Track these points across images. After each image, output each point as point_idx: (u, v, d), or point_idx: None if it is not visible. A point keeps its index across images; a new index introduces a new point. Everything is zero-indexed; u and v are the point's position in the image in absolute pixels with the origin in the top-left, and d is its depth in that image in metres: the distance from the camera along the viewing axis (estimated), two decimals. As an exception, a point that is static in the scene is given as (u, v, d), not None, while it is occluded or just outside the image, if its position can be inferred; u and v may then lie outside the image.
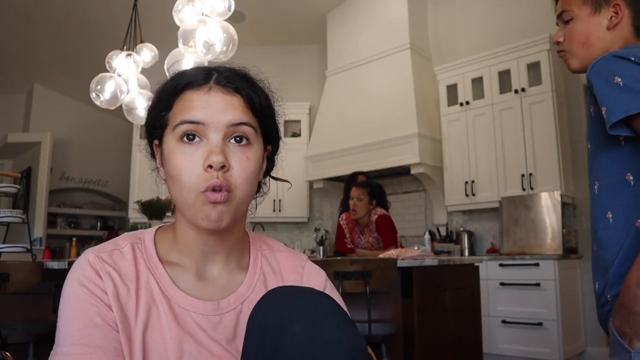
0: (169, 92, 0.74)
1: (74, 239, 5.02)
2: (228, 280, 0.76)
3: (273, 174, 0.84)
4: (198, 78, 0.72)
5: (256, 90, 0.75)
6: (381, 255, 2.38)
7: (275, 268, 0.80)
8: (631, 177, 0.95)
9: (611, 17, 1.05)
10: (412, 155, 4.24)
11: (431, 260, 2.32)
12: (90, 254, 0.70)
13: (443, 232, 4.57)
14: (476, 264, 2.79)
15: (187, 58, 3.02)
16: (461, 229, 4.44)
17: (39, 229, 5.71)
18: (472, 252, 4.34)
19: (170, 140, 0.71)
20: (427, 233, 4.51)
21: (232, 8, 2.99)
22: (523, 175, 3.97)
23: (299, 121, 5.66)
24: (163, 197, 3.74)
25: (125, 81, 3.48)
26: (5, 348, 1.91)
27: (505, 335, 3.57)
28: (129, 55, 3.50)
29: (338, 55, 5.29)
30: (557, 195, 3.81)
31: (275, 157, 0.83)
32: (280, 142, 0.82)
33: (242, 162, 0.70)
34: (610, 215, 0.97)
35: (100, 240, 6.43)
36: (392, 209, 3.68)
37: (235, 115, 0.70)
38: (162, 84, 0.77)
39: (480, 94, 4.31)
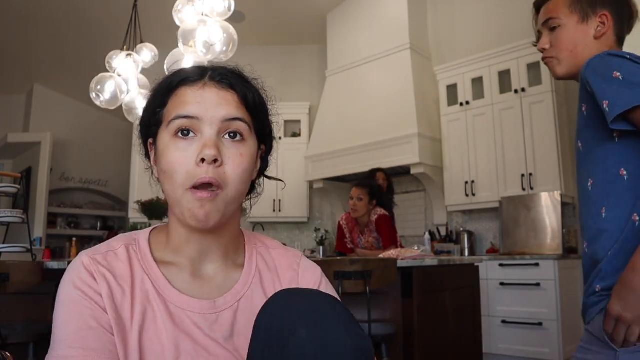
0: (164, 89, 0.74)
1: (74, 239, 5.02)
2: (224, 279, 0.75)
3: (267, 174, 0.84)
4: (193, 75, 0.73)
5: (250, 88, 0.75)
6: (381, 255, 2.38)
7: (271, 265, 0.80)
8: (625, 172, 0.96)
9: (598, 27, 1.08)
10: (412, 155, 4.24)
11: (431, 260, 2.32)
12: (84, 257, 0.70)
13: (443, 232, 4.57)
14: (476, 264, 2.79)
15: (187, 58, 3.02)
16: (461, 229, 4.44)
17: (39, 229, 5.71)
18: (472, 252, 4.34)
19: (165, 136, 0.71)
20: (427, 233, 4.52)
21: (232, 8, 2.99)
22: (523, 175, 3.97)
23: (299, 121, 5.66)
24: (163, 197, 3.73)
25: (125, 81, 3.48)
26: (5, 348, 1.92)
27: (505, 335, 3.57)
28: (129, 55, 3.50)
29: (338, 55, 5.29)
30: (557, 195, 3.81)
31: (269, 157, 0.82)
32: (274, 142, 0.82)
33: (236, 158, 0.70)
34: (604, 211, 0.98)
35: (100, 240, 6.43)
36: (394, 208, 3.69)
37: (229, 110, 0.70)
38: (157, 82, 0.77)
39: (480, 94, 4.31)
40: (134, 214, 4.98)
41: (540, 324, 3.44)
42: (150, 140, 0.77)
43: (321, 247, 5.06)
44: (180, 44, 2.93)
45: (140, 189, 5.47)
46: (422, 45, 4.87)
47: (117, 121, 6.28)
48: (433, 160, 4.41)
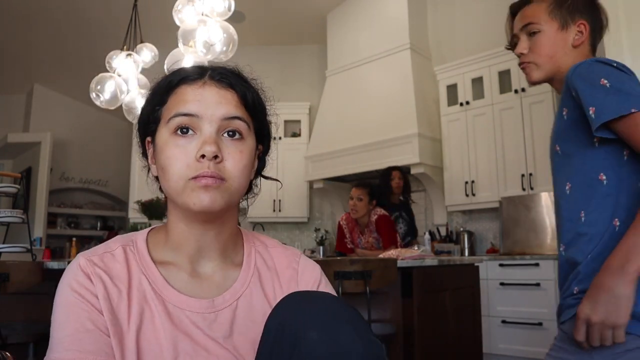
0: (164, 87, 0.74)
1: (74, 239, 5.02)
2: (222, 277, 0.75)
3: (264, 174, 0.84)
4: (193, 73, 0.73)
5: (249, 88, 0.76)
6: (381, 255, 2.38)
7: (270, 264, 0.80)
8: (604, 177, 0.97)
9: (576, 35, 1.10)
10: (412, 155, 4.24)
11: (431, 260, 2.32)
12: (81, 258, 0.70)
13: (443, 232, 4.57)
14: (476, 264, 2.79)
15: (187, 58, 3.02)
16: (461, 229, 4.44)
17: (39, 229, 5.71)
18: (472, 252, 4.34)
19: (164, 133, 0.71)
20: (427, 233, 4.51)
21: (232, 8, 2.99)
22: (523, 175, 3.97)
23: (299, 121, 5.66)
24: (163, 197, 3.73)
25: (125, 81, 3.48)
26: (5, 348, 1.92)
27: (505, 335, 3.57)
28: (129, 55, 3.50)
29: (338, 55, 5.29)
30: (557, 195, 3.80)
31: (267, 157, 0.83)
32: (272, 143, 0.83)
33: (235, 155, 0.70)
34: (583, 215, 0.99)
35: (100, 240, 6.43)
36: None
37: (229, 109, 0.71)
38: (156, 81, 0.77)
39: (480, 94, 4.31)
40: (134, 214, 4.98)
41: (540, 324, 3.44)
42: (149, 139, 0.77)
43: (321, 247, 5.06)
44: (180, 44, 2.93)
45: (140, 189, 5.48)
46: (422, 45, 4.87)
47: (117, 121, 6.28)
48: (433, 160, 4.41)
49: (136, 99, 3.51)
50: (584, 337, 0.90)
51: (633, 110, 0.89)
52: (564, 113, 1.03)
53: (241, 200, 0.78)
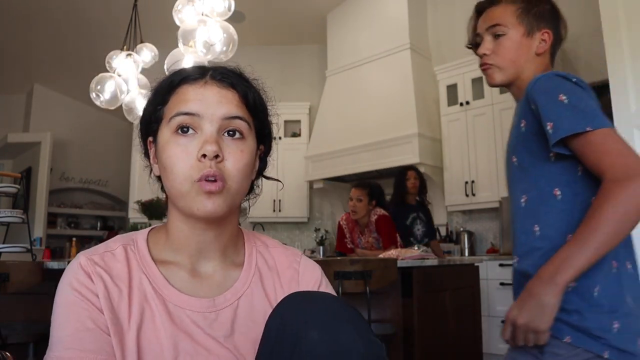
0: (165, 87, 0.74)
1: (74, 239, 5.02)
2: (223, 277, 0.75)
3: (265, 174, 0.84)
4: (194, 73, 0.73)
5: (251, 88, 0.76)
6: (381, 255, 2.38)
7: (271, 264, 0.80)
8: (559, 192, 0.98)
9: (540, 43, 1.11)
10: (412, 155, 4.24)
11: (431, 260, 2.32)
12: (82, 257, 0.70)
13: (443, 232, 4.57)
14: (476, 264, 2.79)
15: (187, 58, 3.02)
16: (461, 229, 4.44)
17: (39, 229, 5.71)
18: (472, 252, 4.34)
19: (165, 132, 0.71)
20: (427, 233, 4.51)
21: (232, 8, 2.99)
22: (523, 175, 3.97)
23: (299, 121, 5.66)
24: (163, 197, 3.73)
25: (125, 81, 3.48)
26: (5, 348, 1.92)
27: (505, 335, 3.57)
28: (129, 55, 3.50)
29: (338, 55, 5.29)
30: (557, 195, 3.81)
31: (268, 157, 0.83)
32: (273, 143, 0.83)
33: (236, 154, 0.70)
34: (537, 229, 1.00)
35: (100, 240, 6.43)
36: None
37: (230, 108, 0.71)
38: (158, 81, 0.78)
39: (480, 94, 4.31)
40: (134, 214, 4.98)
41: (540, 324, 3.44)
42: (150, 139, 0.77)
43: (321, 247, 5.06)
44: (180, 44, 2.93)
45: (140, 189, 5.48)
46: (422, 45, 4.87)
47: (117, 121, 6.28)
48: (433, 160, 4.41)
49: (136, 99, 3.51)
50: (508, 337, 0.94)
51: (588, 129, 0.90)
52: (522, 125, 1.03)
53: (243, 201, 0.78)
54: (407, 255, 2.32)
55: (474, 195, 4.24)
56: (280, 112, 0.84)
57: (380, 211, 3.30)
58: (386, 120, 4.50)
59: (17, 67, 5.91)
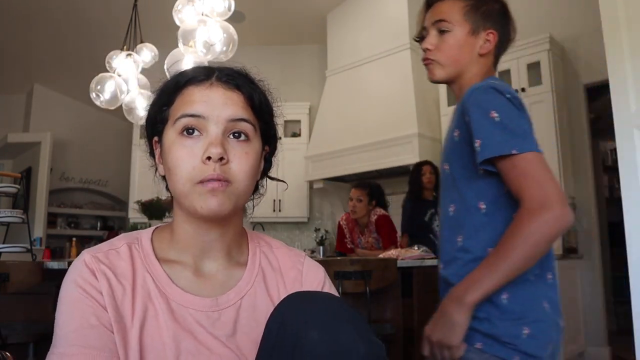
0: (171, 88, 0.75)
1: (74, 239, 5.02)
2: (227, 277, 0.76)
3: (270, 175, 0.84)
4: (200, 74, 0.73)
5: (256, 89, 0.76)
6: (381, 255, 2.38)
7: (274, 265, 0.80)
8: (483, 206, 0.99)
9: (485, 43, 1.08)
10: (412, 155, 4.24)
11: (431, 260, 2.32)
12: (86, 255, 0.70)
13: (443, 232, 4.56)
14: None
15: (187, 58, 3.02)
16: (461, 229, 4.44)
17: (39, 229, 5.71)
18: (472, 252, 4.33)
19: (171, 134, 0.72)
20: (427, 233, 4.51)
21: (232, 8, 2.99)
22: (523, 175, 3.96)
23: (299, 121, 5.66)
24: (163, 197, 3.74)
25: (125, 81, 3.48)
26: (5, 348, 1.92)
27: (505, 335, 3.57)
28: (129, 55, 3.50)
29: (338, 55, 5.29)
30: (557, 195, 3.80)
31: (273, 158, 0.83)
32: (278, 144, 0.83)
33: (241, 156, 0.70)
34: (460, 239, 1.01)
35: (100, 240, 6.42)
36: (392, 208, 3.68)
37: (235, 110, 0.71)
38: (164, 81, 0.78)
39: (480, 94, 4.30)
40: (134, 214, 4.98)
41: (540, 324, 3.44)
42: (156, 139, 0.77)
43: (321, 247, 5.06)
44: (180, 44, 2.93)
45: (140, 189, 5.47)
46: (422, 45, 4.86)
47: (117, 121, 6.27)
48: (433, 160, 4.40)
49: (136, 99, 3.51)
50: (427, 353, 0.97)
51: (513, 152, 0.91)
52: (456, 134, 1.04)
53: (248, 201, 0.78)
54: (407, 255, 2.32)
55: (474, 195, 4.24)
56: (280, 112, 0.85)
57: (380, 211, 3.30)
58: (386, 120, 4.50)
59: (17, 67, 5.91)
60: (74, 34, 5.27)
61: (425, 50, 1.11)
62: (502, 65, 4.59)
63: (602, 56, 1.88)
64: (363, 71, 4.97)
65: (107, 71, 3.52)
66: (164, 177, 0.76)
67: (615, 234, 4.45)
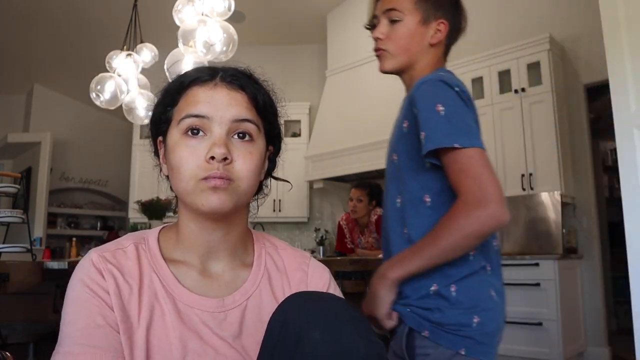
0: (175, 88, 0.75)
1: (74, 239, 5.01)
2: (232, 277, 0.76)
3: (274, 174, 0.85)
4: (204, 75, 0.74)
5: (260, 89, 0.76)
6: (381, 255, 2.38)
7: (280, 266, 0.81)
8: (429, 199, 1.00)
9: (436, 33, 1.08)
10: (412, 155, 4.23)
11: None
12: (93, 254, 0.71)
13: (443, 232, 4.57)
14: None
15: (187, 58, 3.02)
16: (461, 229, 4.44)
17: (39, 229, 5.71)
18: (472, 252, 4.33)
19: (175, 134, 0.72)
20: (427, 233, 4.51)
21: (232, 8, 2.99)
22: (523, 175, 3.96)
23: (299, 121, 5.66)
24: (163, 197, 3.74)
25: (125, 81, 3.48)
26: (5, 348, 1.91)
27: (505, 335, 3.54)
28: (129, 55, 3.50)
29: (338, 55, 5.29)
30: (557, 195, 3.81)
31: (277, 158, 0.83)
32: (282, 144, 0.84)
33: (245, 156, 0.71)
34: (406, 231, 1.02)
35: (100, 240, 6.43)
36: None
37: (239, 111, 0.71)
38: (168, 81, 0.78)
39: (480, 94, 4.30)
40: (134, 214, 4.98)
41: (540, 324, 3.44)
42: (160, 138, 0.77)
43: (321, 247, 5.05)
44: (180, 44, 2.93)
45: (140, 189, 5.47)
46: (422, 45, 4.86)
47: (117, 121, 6.28)
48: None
49: (136, 99, 3.51)
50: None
51: (456, 145, 0.91)
52: (405, 126, 1.03)
53: (251, 201, 0.79)
54: (407, 255, 2.32)
55: (474, 195, 4.24)
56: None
57: (380, 211, 3.30)
58: (386, 120, 4.46)
59: (17, 67, 5.91)
60: (74, 34, 5.27)
61: (376, 39, 1.10)
62: (502, 65, 4.63)
63: (602, 56, 1.88)
64: (363, 71, 4.97)
65: (107, 71, 3.53)
66: (167, 177, 0.76)
67: (615, 234, 4.46)
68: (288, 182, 0.89)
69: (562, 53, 4.12)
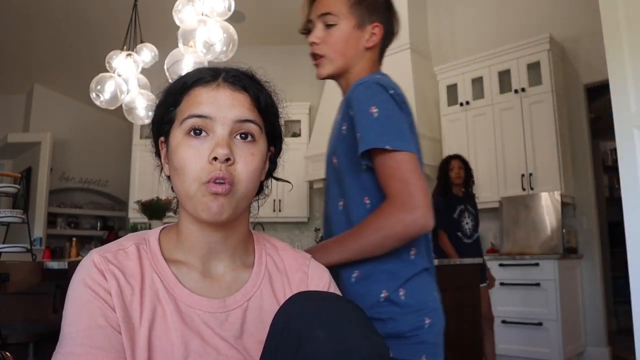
0: (178, 88, 0.75)
1: (74, 239, 5.01)
2: (233, 278, 0.76)
3: (275, 175, 0.85)
4: (207, 75, 0.74)
5: (262, 90, 0.77)
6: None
7: (280, 267, 0.81)
8: (368, 201, 1.01)
9: (371, 37, 1.08)
10: (412, 155, 4.23)
11: (431, 260, 2.31)
12: (95, 255, 0.71)
13: (443, 232, 4.57)
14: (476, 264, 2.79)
15: (187, 58, 3.02)
16: (461, 229, 4.44)
17: (39, 229, 5.71)
18: (472, 252, 4.33)
19: (177, 134, 0.72)
20: (427, 233, 4.51)
21: (232, 8, 2.99)
22: (523, 175, 3.97)
23: (299, 121, 5.66)
24: (163, 197, 3.74)
25: (125, 81, 3.48)
26: (5, 348, 1.92)
27: (505, 335, 3.57)
28: (129, 55, 3.50)
29: (338, 55, 5.28)
30: (557, 195, 3.81)
31: (278, 159, 0.84)
32: (283, 145, 0.84)
33: (247, 157, 0.71)
34: None
35: (100, 240, 6.43)
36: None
37: (242, 111, 0.72)
38: (170, 82, 0.79)
39: (480, 94, 4.31)
40: (134, 214, 4.98)
41: (540, 324, 3.45)
42: (162, 139, 0.77)
43: (321, 247, 5.05)
44: (180, 44, 2.93)
45: (140, 189, 5.47)
46: (422, 45, 4.87)
47: (117, 121, 6.28)
48: (433, 160, 4.40)
49: (136, 99, 3.51)
50: None
51: (387, 147, 0.92)
52: (343, 128, 1.04)
53: (252, 202, 0.79)
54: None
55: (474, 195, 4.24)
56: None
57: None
58: (386, 120, 4.49)
59: (17, 67, 5.91)
60: (74, 34, 5.27)
61: (312, 44, 1.09)
62: (501, 65, 4.63)
63: (602, 56, 1.88)
64: (363, 71, 4.96)
65: (107, 71, 3.52)
66: (169, 178, 0.76)
67: (615, 234, 4.46)
68: (289, 182, 0.89)
69: (562, 53, 4.12)
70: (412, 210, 0.90)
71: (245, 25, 5.20)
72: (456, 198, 3.31)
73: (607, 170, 5.44)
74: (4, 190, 2.73)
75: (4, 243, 2.82)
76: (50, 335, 2.04)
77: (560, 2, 4.15)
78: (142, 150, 5.51)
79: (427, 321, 0.97)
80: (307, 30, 1.12)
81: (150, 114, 0.82)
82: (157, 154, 0.80)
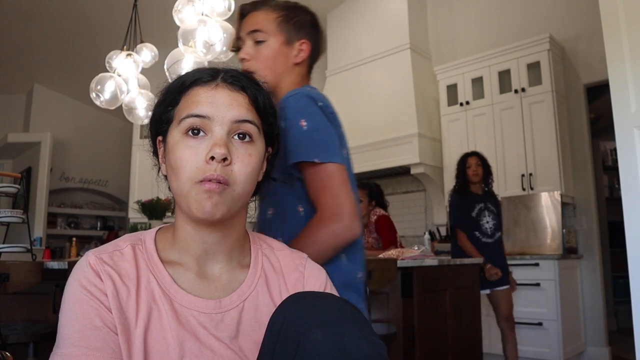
0: (177, 88, 0.75)
1: (74, 239, 5.01)
2: (229, 279, 0.76)
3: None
4: (205, 75, 0.74)
5: (261, 91, 0.77)
6: (381, 255, 2.38)
7: (277, 267, 0.81)
8: (302, 209, 1.04)
9: (299, 53, 1.12)
10: (412, 155, 4.24)
11: (431, 260, 2.32)
12: (91, 256, 0.70)
13: (443, 232, 4.57)
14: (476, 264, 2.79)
15: (187, 58, 3.02)
16: (461, 229, 4.43)
17: (39, 229, 5.70)
18: (472, 252, 4.33)
19: (175, 134, 0.72)
20: (427, 233, 4.51)
21: (232, 8, 2.99)
22: (523, 175, 3.97)
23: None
24: (163, 197, 3.74)
25: (125, 81, 3.48)
26: (5, 348, 1.92)
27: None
28: (129, 55, 3.50)
29: (338, 55, 5.29)
30: (557, 195, 3.81)
31: (276, 160, 0.84)
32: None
33: (244, 158, 0.71)
34: (280, 240, 1.04)
35: (100, 240, 6.43)
36: (392, 208, 3.68)
37: (240, 111, 0.72)
38: (169, 81, 0.79)
39: (480, 94, 4.31)
40: (134, 214, 4.99)
41: (540, 324, 3.44)
42: (160, 138, 0.78)
43: (321, 247, 5.05)
44: (180, 44, 2.93)
45: (140, 189, 5.48)
46: (422, 45, 4.87)
47: (117, 121, 6.28)
48: (433, 160, 4.41)
49: (136, 99, 3.51)
50: None
51: (316, 160, 0.96)
52: None
53: (249, 202, 0.79)
54: (407, 255, 2.32)
55: (474, 195, 4.24)
56: (280, 113, 0.85)
57: (380, 211, 3.31)
58: (386, 120, 4.50)
59: (17, 67, 5.91)
60: (74, 34, 5.27)
61: (242, 60, 1.13)
62: (501, 65, 4.63)
63: (602, 56, 1.88)
64: (363, 71, 4.97)
65: (107, 71, 3.52)
66: (166, 177, 0.76)
67: (615, 234, 4.46)
68: (286, 183, 0.89)
69: (562, 53, 4.12)
70: (341, 220, 0.95)
71: (245, 25, 5.19)
72: (475, 196, 3.19)
73: (607, 170, 5.44)
74: (4, 190, 2.73)
75: (4, 243, 2.82)
76: (50, 335, 2.04)
77: (560, 2, 4.15)
78: (142, 150, 5.50)
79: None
80: (237, 48, 1.16)
81: (150, 113, 0.82)
82: (155, 153, 0.80)
